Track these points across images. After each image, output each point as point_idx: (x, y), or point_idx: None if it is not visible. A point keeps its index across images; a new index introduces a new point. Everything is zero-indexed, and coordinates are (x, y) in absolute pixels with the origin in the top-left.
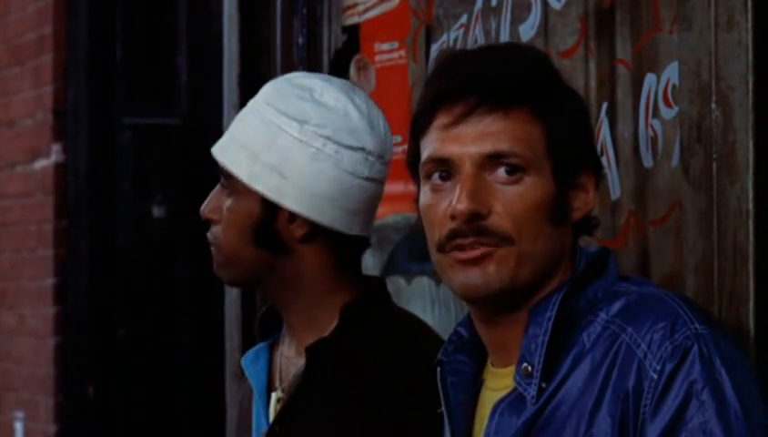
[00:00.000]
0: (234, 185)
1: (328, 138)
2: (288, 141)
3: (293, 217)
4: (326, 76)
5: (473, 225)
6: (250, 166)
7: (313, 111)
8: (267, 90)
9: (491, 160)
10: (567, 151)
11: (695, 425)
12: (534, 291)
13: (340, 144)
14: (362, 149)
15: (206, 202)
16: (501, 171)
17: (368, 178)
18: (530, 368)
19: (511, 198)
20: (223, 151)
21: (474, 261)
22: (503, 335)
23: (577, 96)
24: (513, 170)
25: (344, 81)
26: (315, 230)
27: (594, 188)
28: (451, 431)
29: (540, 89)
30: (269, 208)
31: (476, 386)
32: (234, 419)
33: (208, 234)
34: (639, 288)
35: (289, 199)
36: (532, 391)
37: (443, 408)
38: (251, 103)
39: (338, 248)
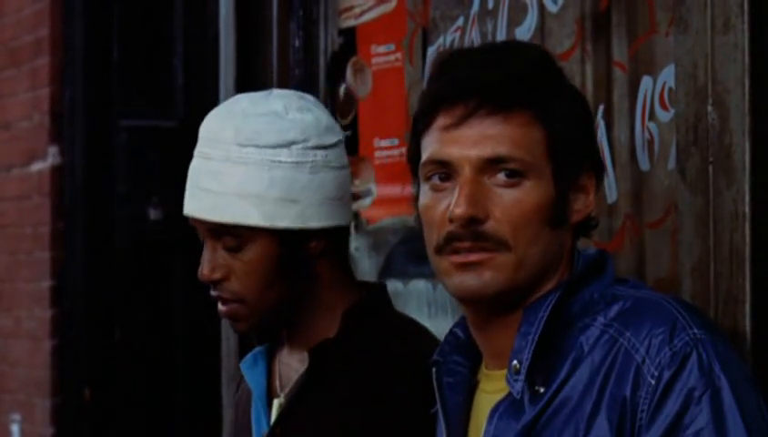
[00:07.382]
0: (242, 236)
1: (316, 147)
2: (285, 169)
3: (308, 237)
4: (266, 93)
5: (470, 229)
6: (259, 209)
7: (291, 130)
8: (231, 133)
9: (491, 164)
10: (568, 153)
11: (692, 432)
12: (530, 293)
13: (325, 147)
14: (340, 141)
15: (203, 265)
16: (501, 175)
17: (345, 166)
18: (518, 365)
19: (510, 203)
20: (216, 210)
21: (471, 265)
22: (497, 338)
23: (579, 95)
24: (512, 175)
25: (284, 90)
26: (327, 239)
27: (595, 189)
28: (448, 432)
29: (541, 90)
30: (288, 240)
31: (471, 387)
32: (230, 423)
33: (218, 294)
34: (636, 291)
35: (313, 219)
36: (518, 387)
37: (439, 408)
38: (214, 153)
39: (342, 246)
